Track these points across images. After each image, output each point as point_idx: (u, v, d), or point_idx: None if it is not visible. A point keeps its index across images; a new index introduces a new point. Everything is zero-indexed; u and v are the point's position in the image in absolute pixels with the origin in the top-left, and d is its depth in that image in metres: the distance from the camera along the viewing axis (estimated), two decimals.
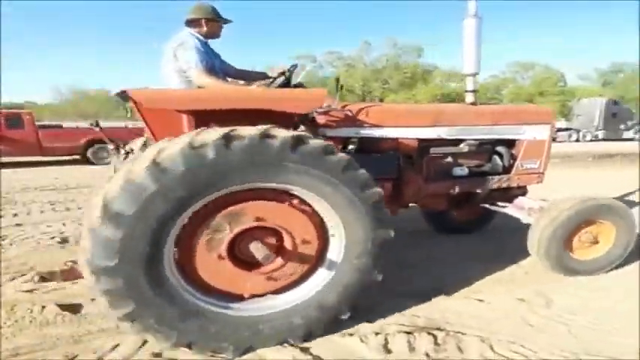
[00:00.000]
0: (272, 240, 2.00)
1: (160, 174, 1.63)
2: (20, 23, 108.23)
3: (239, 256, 1.97)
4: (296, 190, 1.95)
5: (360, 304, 2.15)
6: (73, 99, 55.96)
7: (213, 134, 1.74)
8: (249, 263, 1.99)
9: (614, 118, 20.89)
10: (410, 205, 3.02)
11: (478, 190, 3.08)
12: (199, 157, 1.67)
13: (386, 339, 2.04)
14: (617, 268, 2.89)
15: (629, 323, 2.20)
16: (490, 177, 3.09)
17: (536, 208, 3.00)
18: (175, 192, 1.67)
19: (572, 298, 2.52)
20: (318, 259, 2.10)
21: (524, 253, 2.94)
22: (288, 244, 2.00)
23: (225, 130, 1.76)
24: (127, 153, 2.63)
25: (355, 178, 1.95)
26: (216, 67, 2.73)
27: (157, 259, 1.75)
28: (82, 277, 1.88)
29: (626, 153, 13.23)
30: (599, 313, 2.32)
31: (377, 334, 2.09)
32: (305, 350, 1.96)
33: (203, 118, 2.05)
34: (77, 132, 11.82)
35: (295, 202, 1.99)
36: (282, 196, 1.98)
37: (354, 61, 38.19)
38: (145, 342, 1.96)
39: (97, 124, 3.58)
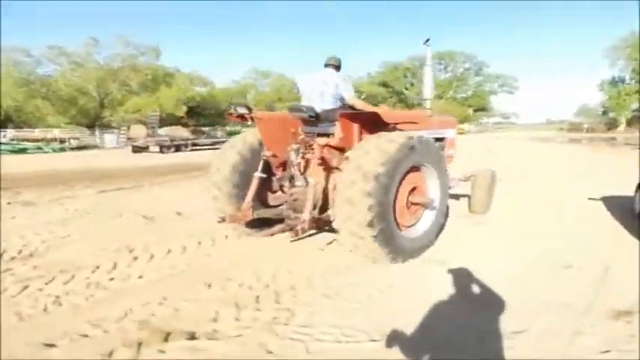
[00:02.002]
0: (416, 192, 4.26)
1: (392, 157, 3.66)
2: None
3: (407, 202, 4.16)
4: (425, 165, 4.26)
5: None
6: None
7: (401, 136, 3.89)
8: (408, 207, 4.19)
9: None
10: None
11: None
12: (409, 147, 3.83)
13: None
14: None
15: None
16: None
17: (468, 176, 6.13)
18: (400, 165, 3.78)
19: None
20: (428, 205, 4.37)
21: None
22: (420, 194, 4.32)
23: (406, 133, 4.03)
24: None
25: (443, 159, 4.62)
26: None
27: (389, 202, 3.74)
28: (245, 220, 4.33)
29: None
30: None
31: None
32: None
33: (372, 127, 4.12)
34: None
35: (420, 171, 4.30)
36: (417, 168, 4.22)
37: (81, 59, 41.06)
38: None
39: None
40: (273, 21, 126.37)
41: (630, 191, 6.52)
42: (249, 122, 4.62)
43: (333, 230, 4.01)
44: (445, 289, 3.44)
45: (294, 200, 4.56)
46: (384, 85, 75.88)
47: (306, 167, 4.58)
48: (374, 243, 3.65)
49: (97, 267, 3.95)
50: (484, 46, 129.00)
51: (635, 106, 52.71)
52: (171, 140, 23.20)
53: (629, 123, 53.81)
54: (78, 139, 31.94)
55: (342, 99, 4.57)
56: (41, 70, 40.41)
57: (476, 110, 78.19)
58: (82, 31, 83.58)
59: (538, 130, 69.98)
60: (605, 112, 57.97)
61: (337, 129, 4.31)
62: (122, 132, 28.58)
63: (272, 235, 4.70)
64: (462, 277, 3.67)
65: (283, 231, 4.59)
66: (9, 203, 7.32)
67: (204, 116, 51.75)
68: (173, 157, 19.15)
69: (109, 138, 30.64)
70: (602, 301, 3.14)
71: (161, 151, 21.92)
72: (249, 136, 4.87)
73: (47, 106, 38.74)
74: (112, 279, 3.69)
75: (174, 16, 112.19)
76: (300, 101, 4.72)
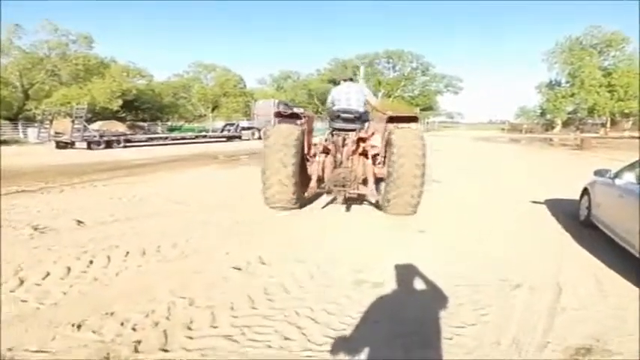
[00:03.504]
0: None
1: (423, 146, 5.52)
2: None
3: None
4: None
5: None
6: None
7: (419, 131, 6.15)
8: None
9: None
10: None
11: None
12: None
13: None
14: None
15: None
16: None
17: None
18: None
19: None
20: None
21: None
22: None
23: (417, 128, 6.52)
24: None
25: None
26: None
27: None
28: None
29: None
30: None
31: None
32: None
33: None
34: None
35: None
36: None
37: (3, 46, 37.54)
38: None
39: None
40: (219, 13, 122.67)
41: (571, 194, 6.38)
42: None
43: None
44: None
45: (343, 178, 5.93)
46: (334, 82, 76.12)
47: (347, 153, 6.24)
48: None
49: None
50: (430, 46, 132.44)
51: (570, 108, 55.83)
52: (101, 136, 21.45)
53: (565, 124, 57.03)
54: None
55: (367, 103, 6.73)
56: None
57: (422, 109, 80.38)
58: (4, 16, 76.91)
59: (481, 130, 72.84)
60: (542, 114, 61.04)
61: (370, 125, 6.63)
62: (45, 126, 26.13)
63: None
64: (394, 300, 3.17)
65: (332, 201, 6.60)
66: None
67: (144, 110, 49.22)
68: (101, 155, 17.61)
69: (32, 132, 28.05)
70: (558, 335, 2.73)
71: (89, 148, 20.21)
72: (290, 131, 5.91)
73: None
74: None
75: (114, 4, 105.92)
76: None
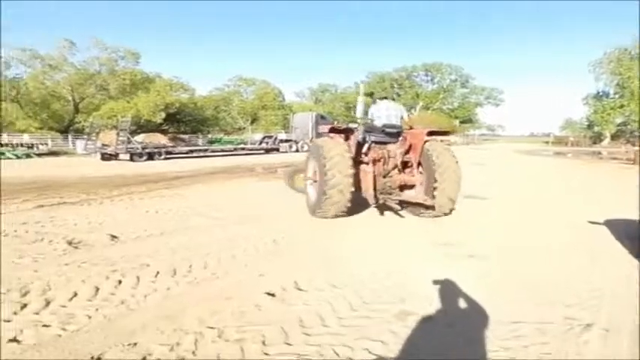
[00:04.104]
0: None
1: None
2: None
3: None
4: None
5: None
6: None
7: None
8: None
9: None
10: None
11: None
12: None
13: None
14: None
15: None
16: None
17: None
18: None
19: None
20: None
21: None
22: None
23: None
24: None
25: None
26: None
27: None
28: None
29: None
30: None
31: None
32: None
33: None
34: None
35: None
36: None
37: (56, 62, 39.79)
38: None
39: None
40: (260, 29, 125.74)
41: (633, 213, 5.74)
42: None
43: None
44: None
45: (389, 186, 6.86)
46: (371, 95, 75.60)
47: (392, 164, 6.98)
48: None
49: None
50: (470, 59, 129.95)
51: (619, 120, 53.02)
52: (144, 148, 22.00)
53: (613, 137, 54.11)
54: (47, 144, 30.42)
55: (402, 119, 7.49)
56: (10, 72, 38.76)
57: (462, 122, 78.68)
58: (57, 34, 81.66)
59: (523, 143, 70.19)
60: (589, 126, 58.24)
61: (407, 139, 7.07)
62: (92, 138, 27.15)
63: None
64: (444, 339, 2.77)
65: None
66: None
67: (185, 123, 50.56)
68: (142, 167, 17.98)
69: (81, 144, 29.22)
70: None
71: (132, 159, 20.75)
72: (344, 143, 6.61)
73: (16, 109, 37.15)
74: None
75: (159, 21, 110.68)
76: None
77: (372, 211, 7.31)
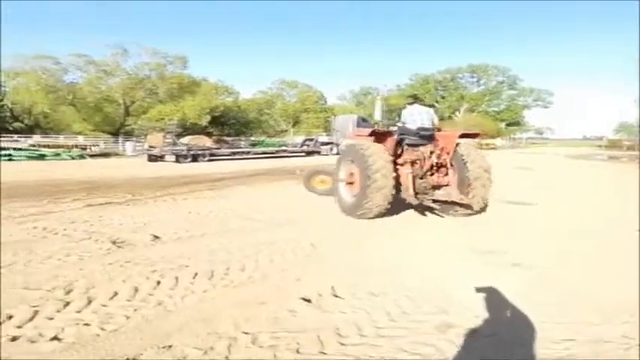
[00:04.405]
0: None
1: None
2: None
3: None
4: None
5: None
6: None
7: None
8: None
9: None
10: None
11: None
12: None
13: None
14: None
15: None
16: None
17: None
18: None
19: None
20: None
21: None
22: None
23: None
24: None
25: None
26: None
27: None
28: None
29: None
30: None
31: None
32: None
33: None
34: None
35: None
36: None
37: (110, 67, 41.90)
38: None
39: None
40: (301, 33, 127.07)
41: None
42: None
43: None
44: None
45: (424, 187, 7.10)
46: (414, 97, 74.56)
47: (428, 165, 7.17)
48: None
49: (10, 317, 3.04)
50: (518, 59, 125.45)
51: None
52: (188, 149, 22.63)
53: None
54: (98, 146, 31.95)
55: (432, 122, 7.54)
56: (68, 77, 41.14)
57: (509, 125, 76.11)
58: (110, 40, 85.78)
59: (574, 147, 66.66)
60: None
61: (439, 141, 7.31)
62: (141, 140, 28.28)
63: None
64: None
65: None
66: None
67: (229, 126, 51.73)
68: (187, 168, 18.46)
69: (130, 146, 30.49)
70: None
71: (177, 161, 21.40)
72: (383, 148, 6.80)
73: (73, 112, 39.33)
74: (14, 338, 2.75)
75: (206, 24, 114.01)
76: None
77: (408, 215, 7.12)
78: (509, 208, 7.91)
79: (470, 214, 6.87)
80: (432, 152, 7.16)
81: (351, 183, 7.10)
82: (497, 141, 62.23)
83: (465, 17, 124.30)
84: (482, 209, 7.05)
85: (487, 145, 53.18)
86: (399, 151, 7.28)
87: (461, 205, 6.74)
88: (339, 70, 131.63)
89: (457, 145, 7.04)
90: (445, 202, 6.90)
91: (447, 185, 7.23)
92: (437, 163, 7.19)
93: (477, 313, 3.29)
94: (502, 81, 75.03)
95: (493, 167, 7.12)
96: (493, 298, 3.62)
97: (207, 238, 5.50)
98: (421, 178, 7.10)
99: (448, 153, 7.15)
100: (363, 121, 28.69)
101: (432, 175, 7.24)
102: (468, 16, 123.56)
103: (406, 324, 3.13)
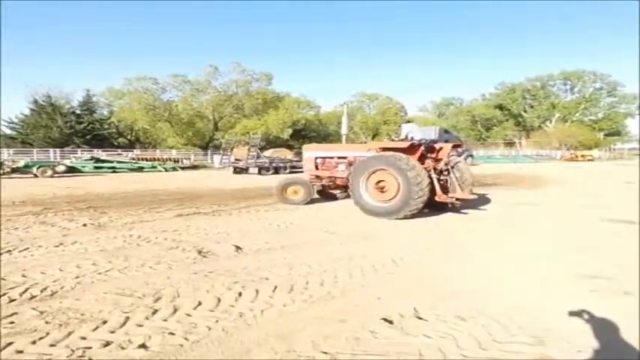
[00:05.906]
0: None
1: None
2: None
3: None
4: None
5: None
6: None
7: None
8: None
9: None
10: None
11: None
12: None
13: None
14: None
15: None
16: None
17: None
18: None
19: None
20: None
21: None
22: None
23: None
24: None
25: None
26: None
27: None
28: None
29: None
30: None
31: None
32: None
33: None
34: None
35: None
36: None
37: (201, 85, 45.13)
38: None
39: None
40: (383, 45, 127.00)
41: None
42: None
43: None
44: None
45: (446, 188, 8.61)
46: (500, 107, 71.14)
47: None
48: None
49: (104, 322, 3.21)
50: (619, 64, 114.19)
51: None
52: (270, 162, 23.42)
53: None
54: (189, 159, 34.26)
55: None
56: (165, 96, 44.83)
57: (607, 135, 69.35)
58: (202, 60, 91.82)
59: None
60: None
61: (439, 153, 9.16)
62: (227, 153, 29.83)
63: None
64: None
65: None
66: (85, 225, 7.24)
67: (310, 139, 52.83)
68: (269, 180, 19.03)
69: (217, 159, 32.31)
70: None
71: (260, 173, 22.22)
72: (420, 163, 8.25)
73: (168, 128, 42.72)
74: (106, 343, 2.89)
75: (289, 41, 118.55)
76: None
77: (490, 231, 6.60)
78: (607, 227, 7.04)
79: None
80: (437, 160, 8.90)
81: (381, 189, 8.28)
82: (595, 152, 56.96)
83: (557, 19, 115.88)
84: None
85: (583, 156, 49.45)
86: (424, 162, 8.61)
87: (463, 199, 8.49)
88: (421, 81, 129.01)
89: (450, 155, 9.12)
90: (459, 200, 8.46)
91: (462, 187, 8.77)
92: (443, 169, 8.84)
93: (578, 347, 2.88)
94: (600, 87, 68.72)
95: (596, 180, 6.39)
96: (598, 327, 3.16)
97: (286, 251, 5.52)
98: (439, 182, 8.37)
99: (446, 161, 8.91)
100: (445, 133, 28.01)
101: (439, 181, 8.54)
102: (561, 19, 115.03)
103: (498, 354, 2.83)
